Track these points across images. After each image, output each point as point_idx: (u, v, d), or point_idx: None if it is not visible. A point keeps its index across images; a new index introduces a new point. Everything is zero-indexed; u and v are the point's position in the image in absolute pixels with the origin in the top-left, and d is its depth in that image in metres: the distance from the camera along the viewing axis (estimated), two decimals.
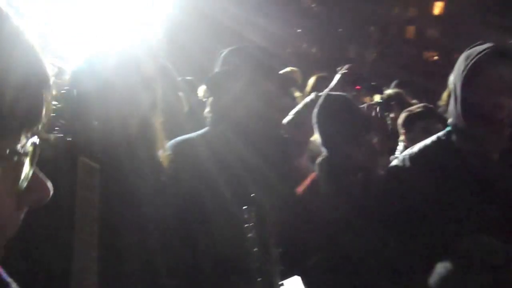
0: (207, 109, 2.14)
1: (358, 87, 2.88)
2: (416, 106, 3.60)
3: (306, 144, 2.67)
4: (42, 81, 0.55)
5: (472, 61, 1.83)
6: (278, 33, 18.48)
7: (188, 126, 2.20)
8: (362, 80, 3.34)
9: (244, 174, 1.97)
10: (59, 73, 1.32)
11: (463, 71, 1.86)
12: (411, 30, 24.68)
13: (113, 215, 1.46)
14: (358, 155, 2.30)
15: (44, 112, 0.57)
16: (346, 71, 3.01)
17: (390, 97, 4.16)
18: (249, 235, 1.97)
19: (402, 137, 3.51)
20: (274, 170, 2.08)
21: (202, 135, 2.10)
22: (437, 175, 1.91)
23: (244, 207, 1.97)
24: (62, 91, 1.37)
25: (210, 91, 2.14)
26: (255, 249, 1.96)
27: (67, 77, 1.44)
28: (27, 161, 0.57)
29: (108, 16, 1.48)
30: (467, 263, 1.60)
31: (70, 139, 1.46)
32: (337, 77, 3.33)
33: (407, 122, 3.45)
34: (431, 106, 3.55)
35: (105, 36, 1.58)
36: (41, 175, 0.60)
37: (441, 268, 1.65)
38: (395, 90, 4.42)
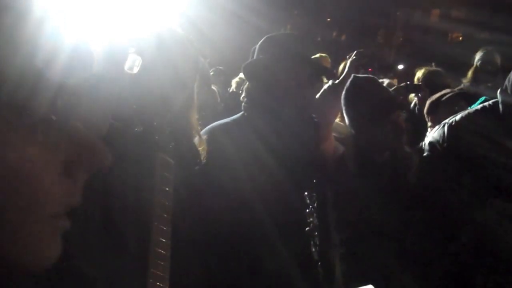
0: (243, 95, 2.10)
1: (370, 69, 2.75)
2: (440, 93, 3.43)
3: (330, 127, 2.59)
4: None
5: None
6: (308, 22, 18.23)
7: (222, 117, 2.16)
8: (373, 62, 3.14)
9: (284, 158, 1.92)
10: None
11: None
12: (435, 13, 23.90)
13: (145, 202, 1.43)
14: (383, 135, 2.22)
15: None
16: (354, 57, 2.87)
17: (425, 75, 3.97)
18: (310, 219, 1.92)
19: (429, 123, 3.37)
20: (306, 152, 2.03)
21: (237, 120, 2.07)
22: (480, 139, 1.81)
23: (305, 192, 1.92)
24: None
25: (246, 77, 2.10)
26: (315, 233, 1.91)
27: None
28: (71, 125, 0.51)
29: (135, 12, 1.42)
30: None
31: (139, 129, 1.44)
32: (347, 64, 3.16)
33: (432, 109, 3.31)
34: (454, 90, 3.40)
35: (137, 32, 1.53)
36: (95, 139, 0.54)
37: None
38: (434, 68, 4.18)
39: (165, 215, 1.36)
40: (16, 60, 0.45)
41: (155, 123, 1.46)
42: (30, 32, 0.47)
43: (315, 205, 1.94)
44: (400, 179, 2.23)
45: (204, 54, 1.75)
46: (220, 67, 4.81)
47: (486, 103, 1.96)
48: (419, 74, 4.08)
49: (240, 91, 4.20)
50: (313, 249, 1.91)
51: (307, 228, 1.91)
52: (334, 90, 2.36)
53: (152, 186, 1.39)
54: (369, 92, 2.29)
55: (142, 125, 1.45)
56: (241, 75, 4.21)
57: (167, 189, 1.40)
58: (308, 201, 1.94)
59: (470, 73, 3.92)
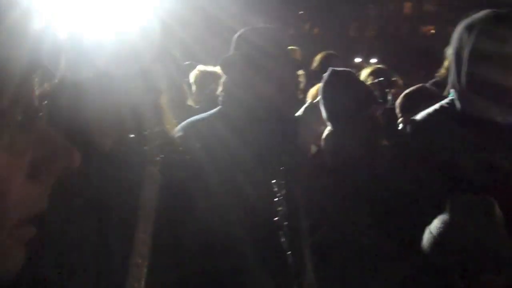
0: (219, 89, 2.07)
1: None
2: (415, 87, 3.41)
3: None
4: None
5: (475, 31, 1.73)
6: (280, 15, 18.26)
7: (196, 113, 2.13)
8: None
9: (261, 151, 1.91)
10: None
11: (467, 41, 1.75)
12: (408, 6, 24.24)
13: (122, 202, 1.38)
14: (360, 129, 2.21)
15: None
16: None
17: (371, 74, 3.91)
18: (279, 208, 1.91)
19: (400, 119, 3.35)
20: (283, 147, 2.02)
21: (214, 114, 2.05)
22: (442, 140, 1.81)
23: (273, 181, 1.91)
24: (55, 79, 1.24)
25: (224, 70, 2.08)
26: (285, 223, 1.90)
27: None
28: (34, 125, 0.47)
29: (103, 5, 1.35)
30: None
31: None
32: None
33: (409, 107, 3.28)
34: (427, 86, 3.39)
35: (100, 23, 1.45)
36: (62, 139, 0.51)
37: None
38: (378, 66, 4.19)
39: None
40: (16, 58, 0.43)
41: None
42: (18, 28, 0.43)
43: (284, 192, 1.94)
44: (376, 174, 2.23)
45: (171, 52, 1.69)
46: (189, 62, 4.68)
47: (443, 102, 1.95)
48: (365, 73, 4.01)
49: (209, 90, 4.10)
50: (282, 239, 1.90)
51: (276, 218, 1.90)
52: (314, 109, 2.36)
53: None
54: (346, 86, 2.27)
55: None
56: (199, 67, 4.15)
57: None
58: (276, 189, 1.93)
59: (445, 66, 3.92)
